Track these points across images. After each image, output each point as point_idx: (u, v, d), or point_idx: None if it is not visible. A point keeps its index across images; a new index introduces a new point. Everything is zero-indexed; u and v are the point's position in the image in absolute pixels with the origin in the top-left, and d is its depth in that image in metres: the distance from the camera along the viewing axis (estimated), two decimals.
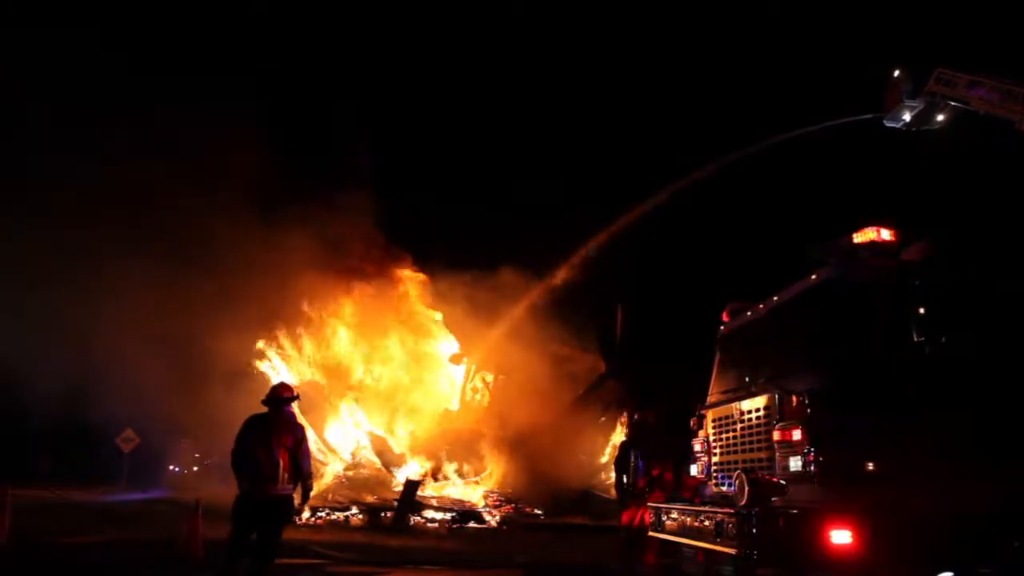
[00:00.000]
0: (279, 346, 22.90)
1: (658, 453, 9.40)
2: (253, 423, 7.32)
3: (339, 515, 17.99)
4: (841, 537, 5.28)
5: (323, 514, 17.91)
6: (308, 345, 23.40)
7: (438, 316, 24.33)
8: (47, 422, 26.93)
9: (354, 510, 18.38)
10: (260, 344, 22.54)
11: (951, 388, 5.71)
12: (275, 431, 7.18)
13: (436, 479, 21.20)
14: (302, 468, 7.22)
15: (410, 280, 24.33)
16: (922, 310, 5.93)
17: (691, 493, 8.20)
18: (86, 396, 23.50)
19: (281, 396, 7.47)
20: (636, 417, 10.51)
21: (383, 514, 18.05)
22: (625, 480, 9.51)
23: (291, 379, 21.23)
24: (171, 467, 35.92)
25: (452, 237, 23.88)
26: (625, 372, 24.83)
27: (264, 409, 7.42)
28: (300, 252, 22.25)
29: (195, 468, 35.69)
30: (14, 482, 14.98)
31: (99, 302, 21.71)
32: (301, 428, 7.46)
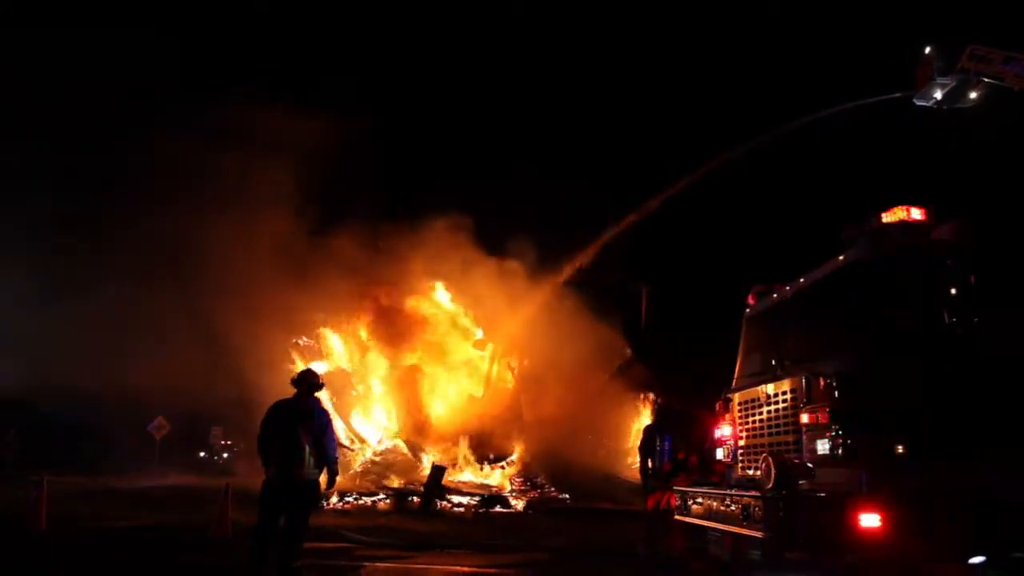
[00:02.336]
0: (308, 334, 23.12)
1: (683, 437, 9.37)
2: (278, 408, 7.39)
3: (367, 500, 18.16)
4: (870, 521, 5.21)
5: (351, 499, 18.10)
6: (336, 334, 23.60)
7: (462, 312, 24.41)
8: (82, 412, 27.52)
9: (381, 495, 18.55)
10: (291, 337, 22.80)
11: (983, 370, 5.60)
12: (301, 416, 7.24)
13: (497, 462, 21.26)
14: (327, 453, 7.27)
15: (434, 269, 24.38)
16: (954, 291, 5.81)
17: (717, 477, 8.16)
18: (119, 386, 23.99)
19: (310, 382, 7.54)
20: (661, 401, 10.47)
21: (410, 499, 18.20)
22: (650, 464, 9.49)
23: (318, 367, 21.45)
24: (201, 453, 36.50)
25: (476, 222, 23.81)
26: (650, 356, 24.74)
27: (290, 394, 7.49)
28: (327, 246, 22.54)
29: (225, 455, 36.18)
30: (49, 469, 15.34)
31: (133, 294, 22.15)
32: (326, 413, 7.52)
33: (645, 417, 23.65)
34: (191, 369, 22.49)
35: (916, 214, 6.35)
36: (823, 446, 5.88)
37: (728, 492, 6.94)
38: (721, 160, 21.08)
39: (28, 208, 21.14)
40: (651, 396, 23.93)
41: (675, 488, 8.55)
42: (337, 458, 7.54)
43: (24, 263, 21.19)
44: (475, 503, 18.27)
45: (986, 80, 15.70)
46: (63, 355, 22.63)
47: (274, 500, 7.07)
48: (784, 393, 6.66)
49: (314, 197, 22.71)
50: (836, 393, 5.83)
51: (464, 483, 20.15)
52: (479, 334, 24.69)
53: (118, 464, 28.00)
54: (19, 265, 21.11)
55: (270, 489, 7.11)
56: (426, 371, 23.31)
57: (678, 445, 9.28)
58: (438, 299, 24.38)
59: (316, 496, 7.46)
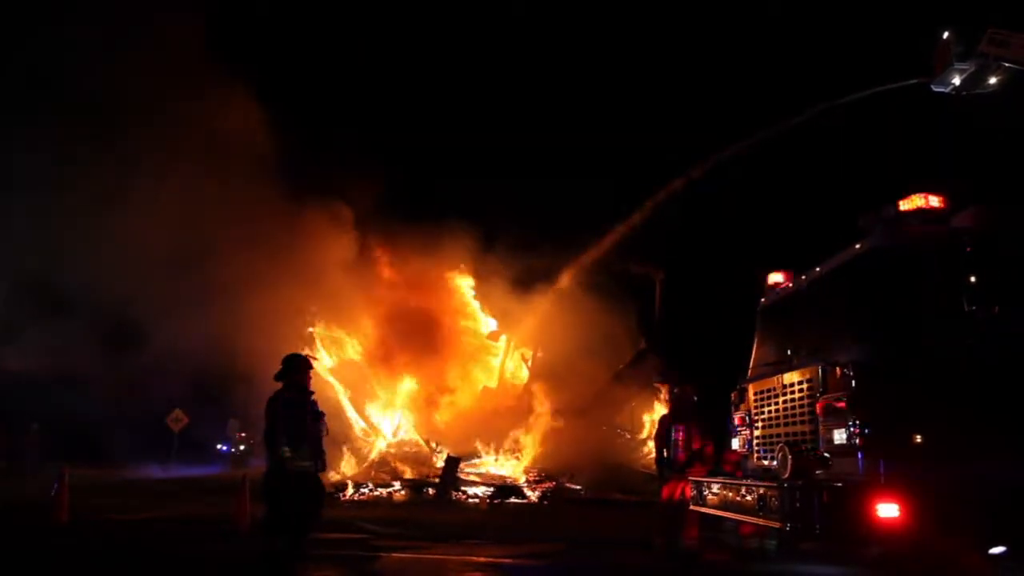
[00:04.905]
0: (321, 327, 23.20)
1: (699, 427, 9.34)
2: (274, 399, 7.54)
3: (382, 491, 18.25)
4: (887, 511, 5.17)
5: (366, 490, 18.20)
6: (348, 327, 23.67)
7: (480, 306, 24.41)
8: (102, 405, 27.85)
9: (397, 486, 18.63)
10: (307, 328, 22.90)
11: (1002, 358, 5.53)
12: (278, 406, 7.38)
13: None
14: (312, 436, 7.39)
15: (449, 260, 24.39)
16: (973, 279, 5.74)
17: (732, 467, 8.14)
18: (137, 378, 24.23)
19: (281, 371, 7.65)
20: (676, 391, 10.44)
21: (425, 490, 18.27)
22: (666, 454, 9.47)
23: (328, 359, 21.63)
24: (219, 446, 36.83)
25: (489, 213, 23.76)
26: (665, 346, 24.65)
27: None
28: (340, 240, 22.61)
29: (241, 447, 36.48)
30: (70, 462, 15.53)
31: (150, 288, 22.30)
32: (292, 400, 7.56)
33: (659, 407, 23.59)
34: (208, 361, 22.64)
35: (934, 201, 6.27)
36: (840, 436, 5.84)
37: (744, 482, 6.92)
38: (735, 148, 20.95)
39: (31, 199, 21.13)
40: (665, 386, 23.83)
41: (691, 478, 8.53)
42: (320, 439, 7.54)
43: (33, 255, 21.31)
44: (489, 494, 18.32)
45: (1006, 64, 15.47)
46: (82, 349, 22.86)
47: (272, 490, 7.25)
48: (800, 383, 6.62)
49: (323, 192, 22.75)
50: (853, 382, 5.78)
51: (479, 474, 20.20)
52: (493, 325, 24.69)
53: (137, 457, 28.37)
54: (32, 257, 21.24)
55: (269, 480, 7.30)
56: (440, 364, 23.33)
57: (693, 435, 9.25)
58: (452, 291, 24.38)
59: (313, 483, 7.48)
